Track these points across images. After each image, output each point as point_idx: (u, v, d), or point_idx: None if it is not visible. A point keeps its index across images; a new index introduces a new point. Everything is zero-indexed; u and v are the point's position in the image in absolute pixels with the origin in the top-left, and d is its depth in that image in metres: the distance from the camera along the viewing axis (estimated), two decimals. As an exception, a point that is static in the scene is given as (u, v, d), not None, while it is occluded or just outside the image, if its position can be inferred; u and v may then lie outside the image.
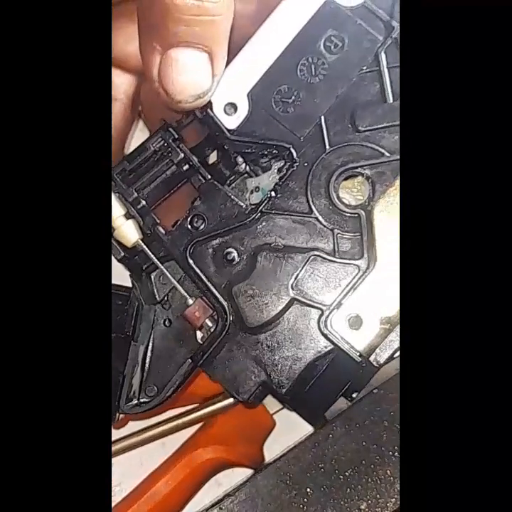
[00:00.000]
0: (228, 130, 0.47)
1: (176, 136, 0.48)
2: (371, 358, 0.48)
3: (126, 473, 0.64)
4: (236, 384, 0.48)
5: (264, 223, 0.48)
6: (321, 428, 0.63)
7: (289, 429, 0.66)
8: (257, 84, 0.47)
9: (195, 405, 0.65)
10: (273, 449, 0.65)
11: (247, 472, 0.64)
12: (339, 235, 0.48)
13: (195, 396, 0.64)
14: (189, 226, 0.48)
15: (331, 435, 0.62)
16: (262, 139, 0.47)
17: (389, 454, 0.60)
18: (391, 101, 0.48)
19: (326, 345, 0.47)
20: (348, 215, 0.48)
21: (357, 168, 0.48)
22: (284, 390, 0.48)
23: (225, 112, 0.47)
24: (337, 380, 0.48)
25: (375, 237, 0.48)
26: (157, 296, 0.50)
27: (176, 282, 0.49)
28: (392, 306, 0.47)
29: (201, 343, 0.49)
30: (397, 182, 0.48)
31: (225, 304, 0.48)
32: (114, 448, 0.61)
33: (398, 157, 0.48)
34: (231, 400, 0.63)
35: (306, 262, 0.47)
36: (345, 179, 0.48)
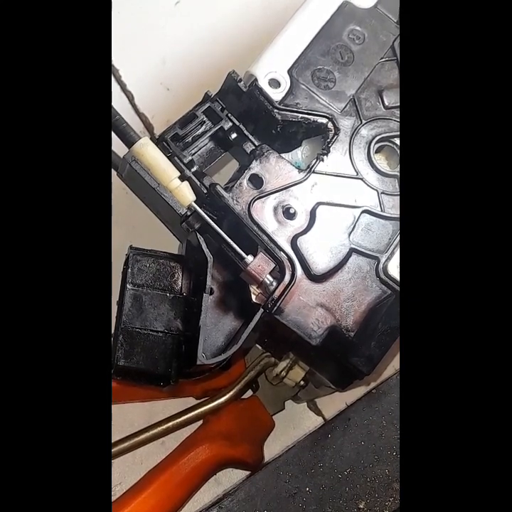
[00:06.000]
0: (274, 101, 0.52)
1: (224, 106, 0.53)
2: None
3: (126, 472, 0.64)
4: (308, 330, 0.50)
5: (317, 182, 0.52)
6: (321, 428, 0.63)
7: (288, 429, 0.67)
8: (295, 63, 0.54)
9: (193, 404, 0.65)
10: (272, 448, 0.65)
11: (247, 472, 0.64)
12: (383, 194, 0.54)
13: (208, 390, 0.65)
14: (248, 185, 0.51)
15: (329, 435, 0.62)
16: (305, 110, 0.53)
17: (387, 453, 0.60)
18: None
19: (385, 290, 0.51)
20: (388, 177, 0.54)
21: (389, 138, 0.55)
22: (353, 334, 0.50)
23: (270, 85, 0.53)
24: (396, 322, 0.51)
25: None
26: (208, 256, 0.50)
27: (231, 241, 0.49)
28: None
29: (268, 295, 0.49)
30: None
31: (292, 254, 0.50)
32: (114, 450, 0.61)
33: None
34: (226, 397, 0.63)
35: (359, 217, 0.52)
36: (378, 149, 0.55)
